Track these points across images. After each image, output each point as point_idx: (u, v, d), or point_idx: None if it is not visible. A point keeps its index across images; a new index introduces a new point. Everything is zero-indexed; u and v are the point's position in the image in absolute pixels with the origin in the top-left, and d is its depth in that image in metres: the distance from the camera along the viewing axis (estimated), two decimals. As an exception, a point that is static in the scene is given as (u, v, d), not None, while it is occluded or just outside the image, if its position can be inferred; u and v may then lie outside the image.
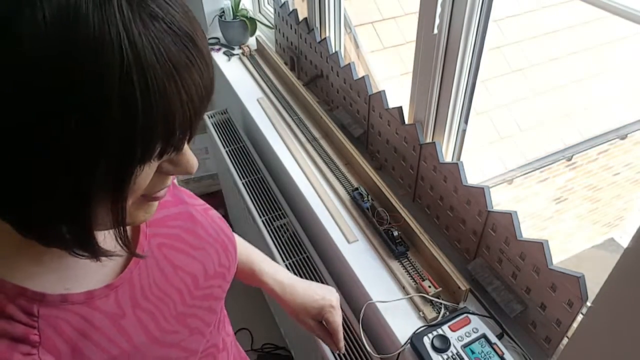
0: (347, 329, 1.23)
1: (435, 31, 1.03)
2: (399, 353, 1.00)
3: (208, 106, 0.45)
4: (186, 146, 0.46)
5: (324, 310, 0.88)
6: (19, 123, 0.36)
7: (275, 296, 0.88)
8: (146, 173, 0.43)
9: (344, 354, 1.18)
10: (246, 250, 0.88)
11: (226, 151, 1.77)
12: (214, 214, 0.71)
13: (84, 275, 0.52)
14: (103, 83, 0.35)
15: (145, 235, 0.59)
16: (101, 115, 0.36)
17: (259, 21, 2.08)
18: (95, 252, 0.46)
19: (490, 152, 3.31)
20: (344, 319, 1.25)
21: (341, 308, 1.23)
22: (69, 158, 0.37)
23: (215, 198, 2.34)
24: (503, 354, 0.92)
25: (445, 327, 0.97)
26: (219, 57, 2.03)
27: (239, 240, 0.85)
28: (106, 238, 0.52)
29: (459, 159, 1.21)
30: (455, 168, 1.06)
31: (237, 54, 2.04)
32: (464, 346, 0.94)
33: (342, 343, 0.90)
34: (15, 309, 0.46)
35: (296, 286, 0.88)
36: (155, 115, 0.38)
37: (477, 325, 0.97)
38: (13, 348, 0.45)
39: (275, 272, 0.89)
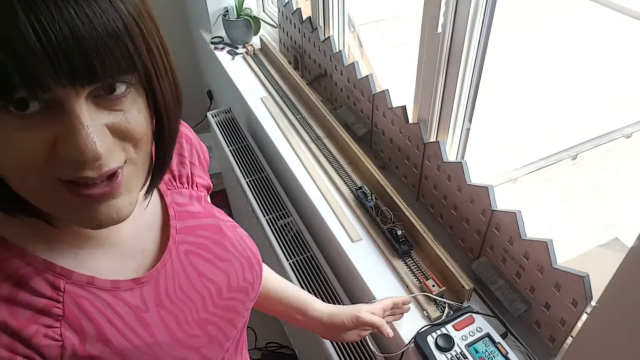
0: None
1: (439, 30, 1.03)
2: (402, 352, 1.00)
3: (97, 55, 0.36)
4: (79, 125, 0.38)
5: (359, 315, 0.90)
6: None
7: (321, 326, 0.90)
8: (26, 136, 0.38)
9: (348, 353, 1.18)
10: (294, 287, 0.91)
11: (230, 150, 1.77)
12: (242, 232, 0.72)
13: (112, 266, 0.53)
14: None
15: (175, 240, 0.59)
16: None
17: (262, 20, 2.08)
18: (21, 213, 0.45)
19: (495, 150, 3.30)
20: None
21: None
22: None
23: (218, 197, 2.35)
24: (507, 353, 0.92)
25: (449, 326, 0.97)
26: (222, 56, 2.04)
27: (282, 280, 0.90)
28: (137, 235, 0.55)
29: (462, 158, 1.21)
30: (459, 167, 1.06)
31: (241, 53, 2.04)
32: (468, 345, 0.94)
33: (386, 329, 0.92)
34: (41, 282, 0.46)
35: (331, 309, 0.91)
36: None
37: (481, 324, 0.97)
38: (35, 319, 0.45)
39: (316, 303, 0.91)
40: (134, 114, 0.42)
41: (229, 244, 0.66)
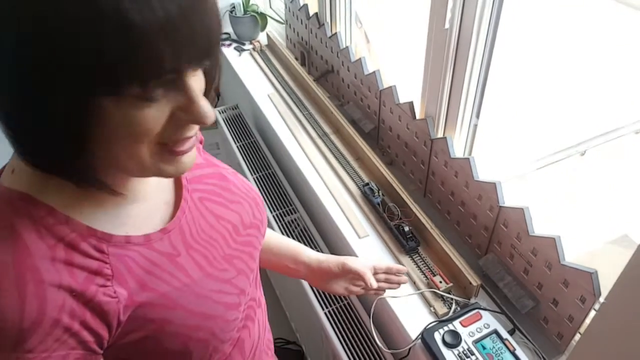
0: (358, 324, 1.23)
1: (447, 25, 1.02)
2: (409, 348, 1.00)
3: (198, 37, 0.44)
4: (196, 94, 0.47)
5: (345, 262, 0.91)
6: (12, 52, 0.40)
7: (309, 272, 0.93)
8: (149, 114, 0.45)
9: (355, 349, 1.18)
10: (284, 238, 0.96)
11: (237, 146, 1.78)
12: (242, 177, 0.78)
13: (140, 222, 0.58)
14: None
15: (187, 189, 0.65)
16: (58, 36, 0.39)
17: (269, 16, 2.08)
18: (101, 188, 0.50)
19: (502, 146, 3.28)
20: (354, 314, 1.25)
21: (351, 302, 1.23)
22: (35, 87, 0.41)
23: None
24: (515, 349, 0.92)
25: (456, 323, 0.97)
26: (229, 53, 2.04)
27: (273, 232, 0.95)
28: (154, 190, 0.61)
29: (470, 154, 1.20)
30: (466, 163, 1.06)
31: (248, 50, 2.04)
32: (475, 342, 0.94)
33: (370, 279, 0.91)
34: (88, 246, 0.51)
35: (320, 256, 0.94)
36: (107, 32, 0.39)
37: (489, 320, 0.97)
38: (91, 280, 0.50)
39: (307, 251, 0.95)
40: (203, 81, 0.51)
41: (234, 187, 0.73)
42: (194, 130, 0.50)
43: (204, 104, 0.47)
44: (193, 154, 0.53)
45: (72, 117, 0.43)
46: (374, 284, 0.90)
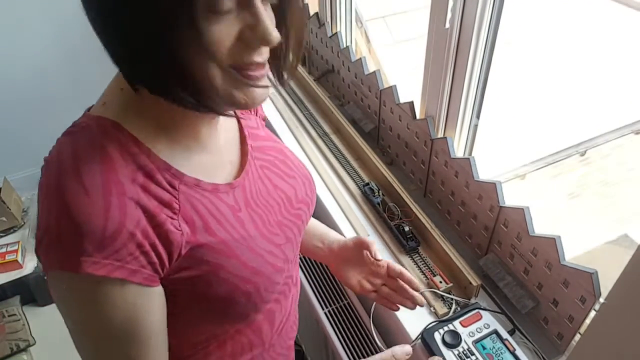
0: (358, 324, 1.23)
1: (447, 25, 1.02)
2: (409, 348, 1.00)
3: None
4: (262, 13, 0.49)
5: (360, 237, 0.92)
6: None
7: (332, 252, 0.95)
8: (219, 29, 0.47)
9: (355, 349, 1.18)
10: (313, 219, 0.97)
11: (237, 146, 1.77)
12: (296, 156, 0.82)
13: (209, 171, 0.62)
14: None
15: (252, 155, 0.69)
16: None
17: (270, 16, 2.07)
18: (210, 104, 0.53)
19: (503, 147, 3.28)
20: (354, 314, 1.25)
21: (351, 302, 1.23)
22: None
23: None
24: (514, 350, 0.92)
25: (456, 323, 0.97)
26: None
27: None
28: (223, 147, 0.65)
29: (470, 154, 1.20)
30: (466, 163, 1.06)
31: (248, 49, 2.04)
32: (475, 342, 0.94)
33: (373, 246, 0.90)
34: (162, 180, 0.55)
35: (341, 239, 0.95)
36: None
37: (489, 321, 0.97)
38: (162, 209, 0.54)
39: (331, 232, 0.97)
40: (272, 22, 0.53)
41: (291, 163, 0.77)
42: (263, 55, 0.52)
43: (269, 25, 0.49)
44: (264, 91, 0.55)
45: (159, 31, 0.46)
46: (378, 255, 0.90)
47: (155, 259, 0.53)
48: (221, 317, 0.64)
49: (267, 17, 0.50)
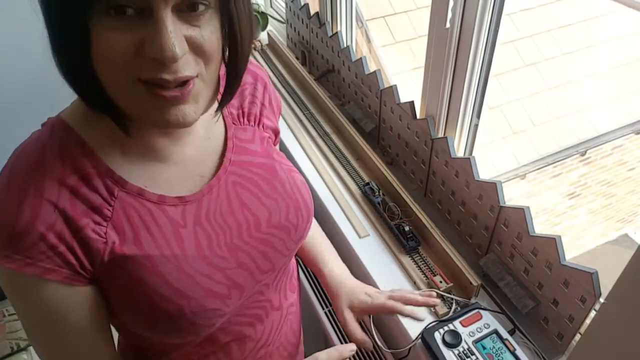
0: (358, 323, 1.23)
1: (448, 25, 1.02)
2: (409, 348, 1.00)
3: None
4: (163, 24, 0.45)
5: (365, 301, 0.87)
6: None
7: (325, 284, 0.91)
8: (116, 36, 0.46)
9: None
10: (323, 240, 0.95)
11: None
12: (298, 177, 0.76)
13: (163, 182, 0.60)
14: None
15: (226, 170, 0.66)
16: None
17: (270, 16, 2.07)
18: (124, 119, 0.53)
19: (503, 147, 3.28)
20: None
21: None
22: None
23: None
24: (515, 349, 0.92)
25: (456, 323, 0.97)
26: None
27: (319, 231, 0.95)
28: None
29: (471, 154, 1.20)
30: (467, 163, 1.06)
31: (249, 49, 2.03)
32: (476, 342, 0.94)
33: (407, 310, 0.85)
34: (100, 184, 0.55)
35: (347, 280, 0.90)
36: None
37: (489, 320, 0.97)
38: (88, 214, 0.54)
39: (333, 265, 0.92)
40: (209, 32, 0.50)
41: (279, 184, 0.71)
42: (176, 73, 0.48)
43: (167, 38, 0.45)
44: (187, 109, 0.51)
45: (71, 34, 0.46)
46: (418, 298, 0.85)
47: (73, 261, 0.53)
48: (154, 330, 0.62)
49: (172, 29, 0.46)
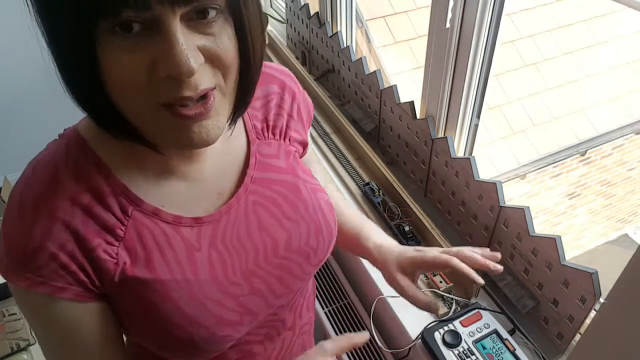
0: (358, 323, 1.23)
1: (448, 25, 1.02)
2: (409, 348, 1.00)
3: None
4: (173, 36, 0.42)
5: (417, 258, 0.74)
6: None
7: (374, 261, 0.80)
8: (125, 57, 0.43)
9: (355, 349, 1.18)
10: (360, 218, 0.84)
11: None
12: (323, 197, 0.70)
13: (180, 201, 0.57)
14: None
15: (246, 188, 0.62)
16: None
17: (270, 16, 2.07)
18: (146, 144, 0.51)
19: (503, 147, 3.28)
20: (354, 313, 1.25)
21: (351, 302, 1.23)
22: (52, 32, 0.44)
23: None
24: (515, 349, 0.92)
25: (456, 323, 0.97)
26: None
27: (354, 210, 0.85)
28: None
29: (471, 154, 1.20)
30: (467, 163, 1.06)
31: (249, 49, 2.03)
32: (475, 342, 0.94)
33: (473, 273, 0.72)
34: (114, 203, 0.53)
35: (393, 247, 0.78)
36: None
37: (489, 320, 0.97)
38: (99, 234, 0.52)
39: (376, 239, 0.80)
40: (224, 39, 0.46)
41: (301, 204, 0.66)
42: (197, 89, 0.45)
43: (181, 52, 0.42)
44: (210, 124, 0.48)
45: (78, 60, 0.44)
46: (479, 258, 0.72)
47: (85, 279, 0.52)
48: (161, 350, 0.60)
49: (184, 41, 0.42)
